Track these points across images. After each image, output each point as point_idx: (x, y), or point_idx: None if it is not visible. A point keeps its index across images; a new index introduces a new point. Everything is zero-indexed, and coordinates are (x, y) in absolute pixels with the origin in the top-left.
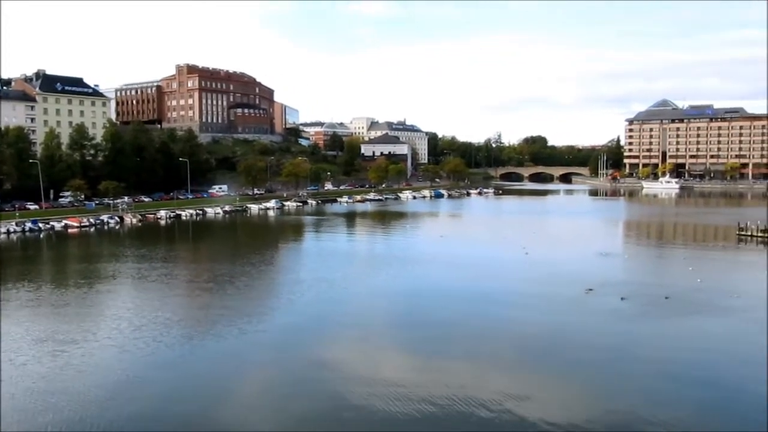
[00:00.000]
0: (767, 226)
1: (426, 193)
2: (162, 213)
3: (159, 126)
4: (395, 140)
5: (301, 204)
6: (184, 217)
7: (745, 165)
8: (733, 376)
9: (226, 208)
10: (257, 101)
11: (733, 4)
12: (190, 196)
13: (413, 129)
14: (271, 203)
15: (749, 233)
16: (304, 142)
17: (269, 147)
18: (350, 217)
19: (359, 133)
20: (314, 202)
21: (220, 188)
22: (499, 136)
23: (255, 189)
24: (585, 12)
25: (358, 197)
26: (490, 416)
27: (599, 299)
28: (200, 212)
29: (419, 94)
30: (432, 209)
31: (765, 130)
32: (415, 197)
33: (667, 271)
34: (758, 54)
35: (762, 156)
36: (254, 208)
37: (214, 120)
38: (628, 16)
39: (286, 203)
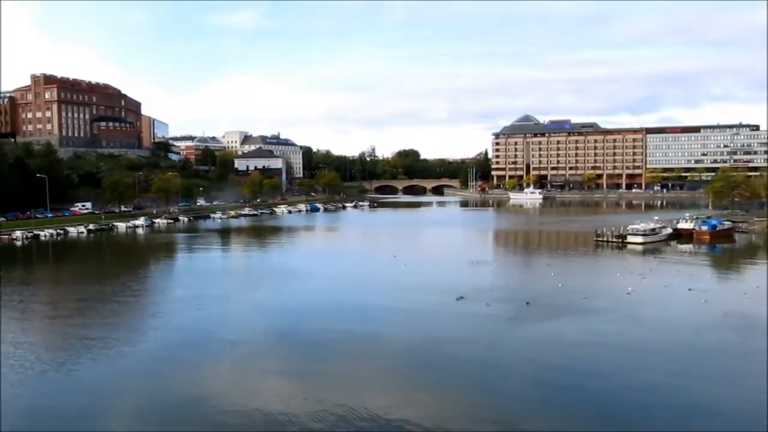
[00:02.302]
0: (621, 232)
1: (302, 207)
2: (17, 233)
3: (13, 140)
4: (269, 154)
5: (172, 221)
6: (43, 237)
7: (600, 176)
8: (595, 374)
9: (90, 226)
10: (123, 114)
11: (587, 25)
12: (50, 215)
13: (288, 143)
14: (140, 221)
15: (605, 239)
16: (174, 157)
17: (137, 162)
18: (225, 233)
19: (232, 147)
20: (186, 219)
21: (83, 206)
22: (373, 149)
23: (122, 206)
24: (451, 30)
25: (233, 212)
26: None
27: (469, 306)
28: (61, 231)
29: (293, 108)
30: (308, 223)
31: (616, 144)
32: (290, 211)
33: (532, 277)
34: (610, 73)
35: (614, 167)
36: (121, 226)
37: (76, 134)
38: (489, 35)
39: (156, 220)
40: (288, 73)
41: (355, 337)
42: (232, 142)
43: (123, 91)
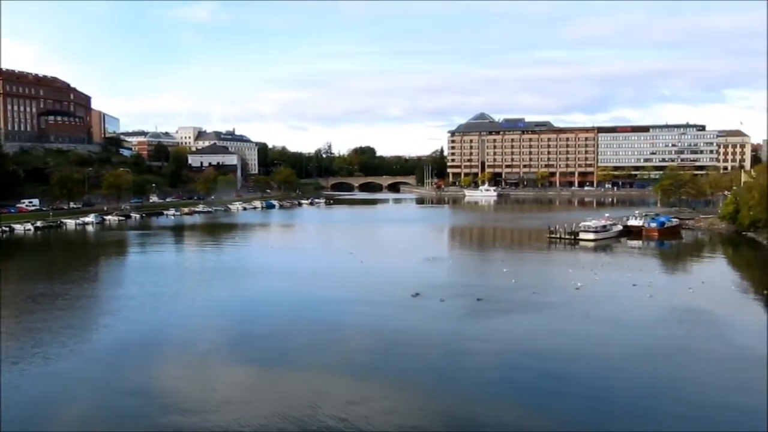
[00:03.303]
0: (573, 229)
1: (257, 204)
2: None
3: None
4: (224, 150)
5: (123, 218)
6: None
7: (553, 174)
8: (539, 369)
9: (38, 223)
10: (72, 108)
11: (542, 25)
12: None
13: (243, 139)
14: (90, 218)
15: (558, 236)
16: (126, 153)
17: (86, 157)
18: (178, 230)
19: (186, 143)
20: (138, 216)
21: (30, 202)
22: (330, 146)
23: (71, 203)
24: (408, 28)
25: (186, 209)
26: (331, 427)
27: (424, 302)
28: (6, 229)
29: (248, 104)
30: (264, 220)
31: (569, 142)
32: (245, 208)
33: (486, 273)
34: (563, 73)
35: (567, 165)
36: (70, 223)
37: (22, 128)
38: (446, 33)
39: (107, 217)
40: (244, 69)
41: (313, 334)
42: (185, 137)
43: (72, 85)
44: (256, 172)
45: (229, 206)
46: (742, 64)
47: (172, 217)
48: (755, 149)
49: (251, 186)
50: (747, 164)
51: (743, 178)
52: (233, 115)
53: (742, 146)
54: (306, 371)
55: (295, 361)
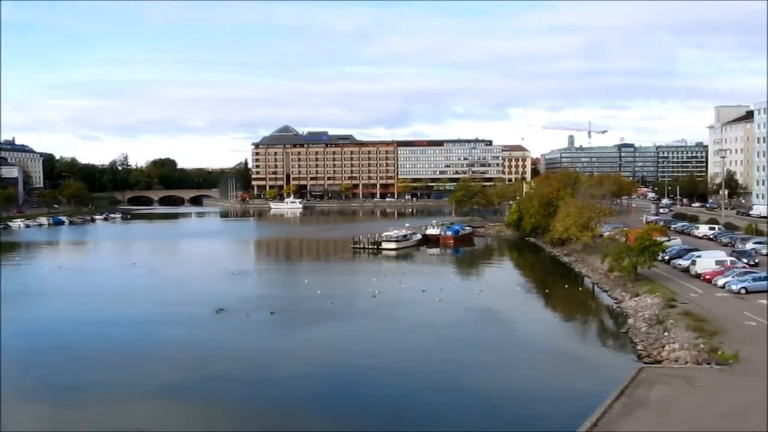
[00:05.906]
0: (376, 239)
1: (43, 220)
2: None
3: None
4: (2, 162)
5: None
6: None
7: (356, 186)
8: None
9: None
10: None
11: (347, 41)
12: None
13: (24, 149)
14: None
15: (362, 246)
16: None
17: None
18: None
19: None
20: None
21: None
22: (126, 158)
23: None
24: (213, 38)
25: None
26: None
27: (228, 317)
28: None
29: (33, 112)
30: (51, 238)
31: (371, 155)
32: (29, 226)
33: (291, 284)
34: (367, 88)
35: (369, 178)
36: None
37: None
38: (252, 44)
39: None
40: (28, 73)
41: (111, 357)
42: None
43: None
44: (42, 185)
45: (9, 224)
46: (523, 86)
47: None
48: (534, 162)
49: (35, 201)
50: (528, 176)
51: (525, 188)
52: (14, 123)
53: (524, 160)
54: (108, 399)
55: (95, 389)
